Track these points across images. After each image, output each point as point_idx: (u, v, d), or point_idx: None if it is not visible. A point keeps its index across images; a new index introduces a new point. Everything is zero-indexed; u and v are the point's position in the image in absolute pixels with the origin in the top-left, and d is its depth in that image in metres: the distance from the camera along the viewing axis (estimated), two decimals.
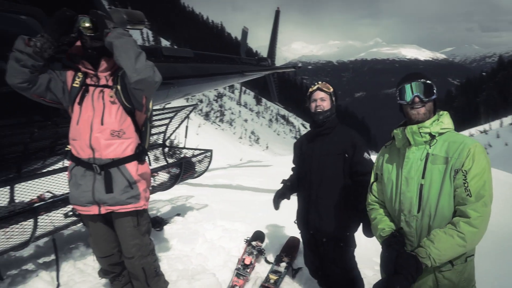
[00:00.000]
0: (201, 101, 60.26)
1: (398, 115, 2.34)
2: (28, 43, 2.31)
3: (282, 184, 3.49)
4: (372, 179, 2.52)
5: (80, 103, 2.61)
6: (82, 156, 2.62)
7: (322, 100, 3.07)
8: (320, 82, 3.16)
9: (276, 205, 3.38)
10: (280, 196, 3.38)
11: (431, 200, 2.09)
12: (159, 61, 5.86)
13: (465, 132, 43.70)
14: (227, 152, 30.15)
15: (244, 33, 12.84)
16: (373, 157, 2.76)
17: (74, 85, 2.63)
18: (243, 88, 79.82)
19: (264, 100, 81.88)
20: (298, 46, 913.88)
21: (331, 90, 3.12)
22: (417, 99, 2.16)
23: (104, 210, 2.66)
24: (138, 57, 2.39)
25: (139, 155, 2.74)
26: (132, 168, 2.68)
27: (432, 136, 2.15)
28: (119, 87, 2.60)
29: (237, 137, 51.24)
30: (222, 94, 68.64)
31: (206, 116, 54.63)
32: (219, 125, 53.75)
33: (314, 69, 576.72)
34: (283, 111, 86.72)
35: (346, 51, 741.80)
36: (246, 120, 65.89)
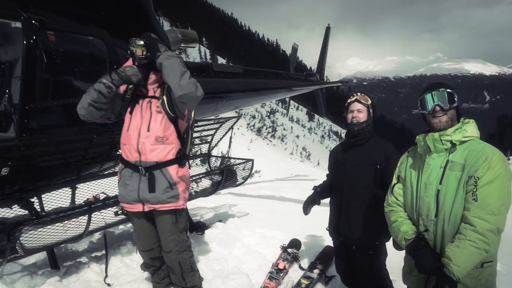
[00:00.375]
0: (253, 117, 60.78)
1: None
2: (108, 95, 2.78)
3: (313, 191, 3.58)
4: (394, 181, 2.53)
5: (131, 112, 2.96)
6: (130, 159, 2.94)
7: (358, 112, 3.13)
8: (358, 94, 3.21)
9: (306, 211, 3.49)
10: (310, 202, 3.48)
11: (446, 206, 2.13)
12: (209, 76, 6.21)
13: None
14: (277, 167, 30.07)
15: (294, 49, 13.10)
16: None
17: (127, 96, 2.98)
18: (296, 104, 79.75)
19: (316, 116, 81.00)
20: (353, 62, 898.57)
21: (369, 102, 3.16)
22: (437, 108, 2.20)
23: (147, 208, 2.94)
24: (183, 76, 2.71)
25: (180, 159, 3.00)
26: (173, 170, 2.95)
27: (453, 144, 2.16)
28: (165, 98, 2.91)
29: (288, 153, 50.88)
30: (274, 110, 68.80)
31: (258, 131, 54.93)
32: (270, 141, 53.72)
33: (370, 85, 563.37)
34: (336, 127, 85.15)
35: (404, 66, 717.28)
36: (298, 136, 65.35)
